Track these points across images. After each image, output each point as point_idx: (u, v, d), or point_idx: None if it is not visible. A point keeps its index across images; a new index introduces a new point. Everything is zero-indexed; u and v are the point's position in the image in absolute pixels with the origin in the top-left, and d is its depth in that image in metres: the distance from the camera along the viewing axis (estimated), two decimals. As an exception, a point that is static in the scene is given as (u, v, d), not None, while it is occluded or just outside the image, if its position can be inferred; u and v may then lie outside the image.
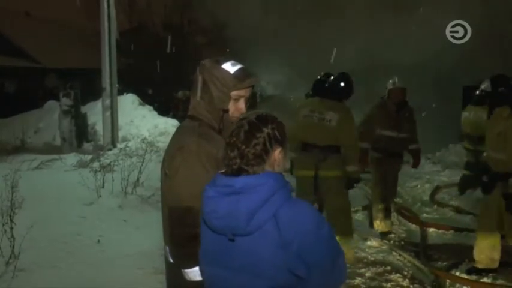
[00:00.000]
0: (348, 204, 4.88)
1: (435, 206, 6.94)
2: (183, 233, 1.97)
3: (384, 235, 5.55)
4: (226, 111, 2.08)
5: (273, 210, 1.56)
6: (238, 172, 1.62)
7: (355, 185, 4.96)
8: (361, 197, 7.29)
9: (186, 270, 2.01)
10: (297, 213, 1.59)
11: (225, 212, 1.57)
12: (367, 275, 4.45)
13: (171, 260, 2.10)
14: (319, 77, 5.88)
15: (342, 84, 4.77)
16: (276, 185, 1.60)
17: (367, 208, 6.50)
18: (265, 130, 1.64)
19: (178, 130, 2.19)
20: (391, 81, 5.67)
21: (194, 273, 1.98)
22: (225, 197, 1.59)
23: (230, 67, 2.06)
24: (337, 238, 4.80)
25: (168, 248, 2.12)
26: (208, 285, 1.76)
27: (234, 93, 2.07)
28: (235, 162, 1.63)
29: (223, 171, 1.68)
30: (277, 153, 1.66)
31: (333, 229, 4.92)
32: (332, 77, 4.89)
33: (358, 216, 6.35)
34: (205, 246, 1.73)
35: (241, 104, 2.10)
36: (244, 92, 2.10)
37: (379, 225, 5.67)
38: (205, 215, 1.64)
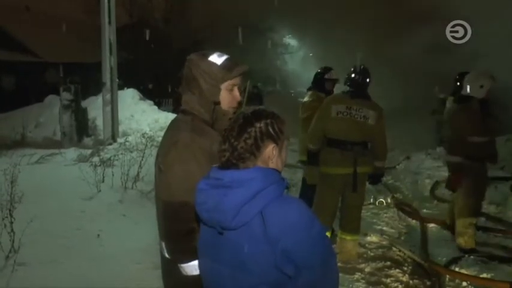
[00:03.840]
0: (363, 202, 4.94)
1: (435, 202, 6.93)
2: (178, 228, 1.96)
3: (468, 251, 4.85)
4: (218, 103, 2.07)
5: (260, 206, 1.53)
6: (227, 165, 1.61)
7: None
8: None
9: (183, 265, 2.00)
10: (285, 210, 1.55)
11: (213, 205, 1.56)
12: (366, 270, 4.45)
13: (167, 255, 2.09)
14: (319, 70, 5.87)
15: (368, 80, 4.68)
16: (266, 181, 1.56)
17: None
18: (257, 125, 1.62)
19: (172, 125, 2.18)
20: (483, 76, 4.80)
21: (191, 267, 1.98)
22: (213, 189, 1.58)
23: (217, 58, 2.06)
24: (345, 235, 4.80)
25: (163, 243, 2.10)
26: (203, 277, 1.77)
27: (225, 84, 2.06)
28: (224, 154, 1.62)
29: (217, 164, 1.68)
30: (269, 149, 1.63)
31: (345, 225, 4.84)
32: (354, 73, 4.68)
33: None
34: (201, 238, 1.74)
35: (236, 92, 2.10)
36: (236, 81, 2.09)
37: (467, 241, 4.84)
38: (197, 207, 1.64)
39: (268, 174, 1.59)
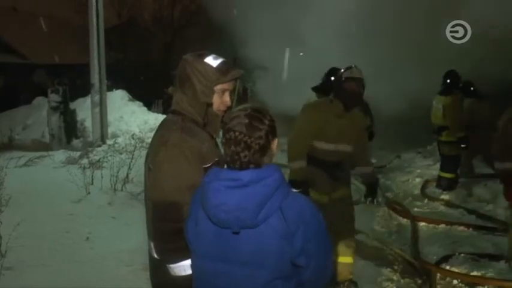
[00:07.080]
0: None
1: (426, 200, 6.95)
2: (168, 228, 1.96)
3: None
4: (210, 105, 2.09)
5: (279, 201, 1.61)
6: (246, 165, 1.64)
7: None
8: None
9: (171, 266, 2.00)
10: (299, 205, 1.65)
11: (235, 205, 1.59)
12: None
13: (155, 256, 2.09)
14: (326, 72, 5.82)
15: (333, 79, 4.59)
16: (281, 178, 1.65)
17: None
18: (266, 122, 1.68)
19: (162, 125, 2.18)
20: None
21: (179, 268, 1.97)
22: (233, 190, 1.61)
23: (212, 61, 2.07)
24: None
25: (152, 243, 2.10)
26: (203, 278, 1.74)
27: (218, 87, 2.07)
28: (244, 155, 1.64)
29: (231, 166, 1.68)
30: (274, 144, 1.72)
31: None
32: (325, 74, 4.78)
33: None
34: (205, 241, 1.71)
35: (227, 97, 2.12)
36: (228, 85, 2.11)
37: None
38: (213, 209, 1.63)
39: (280, 171, 1.67)
